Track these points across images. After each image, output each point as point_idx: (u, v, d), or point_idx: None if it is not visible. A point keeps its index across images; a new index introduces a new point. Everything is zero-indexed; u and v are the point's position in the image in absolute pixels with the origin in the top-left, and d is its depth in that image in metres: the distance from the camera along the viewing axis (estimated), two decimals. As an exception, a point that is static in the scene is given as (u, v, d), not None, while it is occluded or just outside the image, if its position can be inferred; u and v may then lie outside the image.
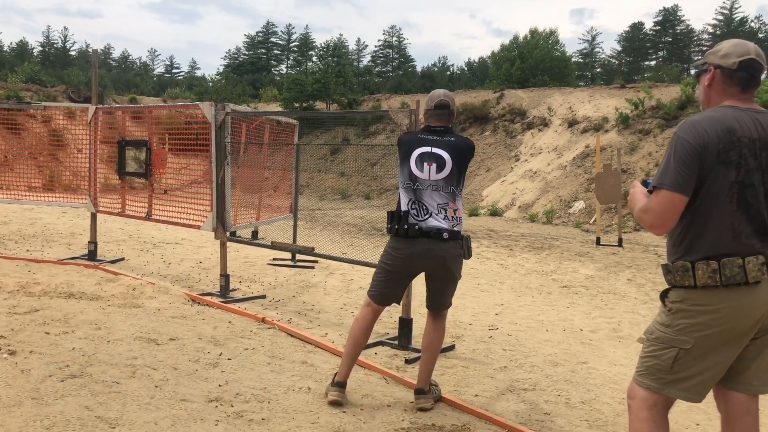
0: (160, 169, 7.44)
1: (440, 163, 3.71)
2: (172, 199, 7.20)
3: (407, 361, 4.80)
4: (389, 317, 6.11)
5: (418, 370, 3.97)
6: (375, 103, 32.25)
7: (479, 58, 64.04)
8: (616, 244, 13.40)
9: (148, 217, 7.33)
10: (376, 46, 73.08)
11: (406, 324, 5.13)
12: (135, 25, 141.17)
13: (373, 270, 5.15)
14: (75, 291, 6.27)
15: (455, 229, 3.71)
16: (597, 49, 65.81)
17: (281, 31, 74.77)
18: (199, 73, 73.86)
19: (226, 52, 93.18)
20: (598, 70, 63.02)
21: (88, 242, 8.05)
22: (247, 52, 70.94)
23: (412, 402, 3.92)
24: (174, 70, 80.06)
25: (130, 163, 7.92)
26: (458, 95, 30.05)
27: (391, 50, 71.20)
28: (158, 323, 5.32)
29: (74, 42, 71.06)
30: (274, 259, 8.75)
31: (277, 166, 10.00)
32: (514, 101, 27.36)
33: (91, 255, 7.96)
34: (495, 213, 20.52)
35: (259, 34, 73.08)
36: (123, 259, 8.27)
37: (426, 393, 3.87)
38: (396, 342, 5.16)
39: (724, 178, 2.37)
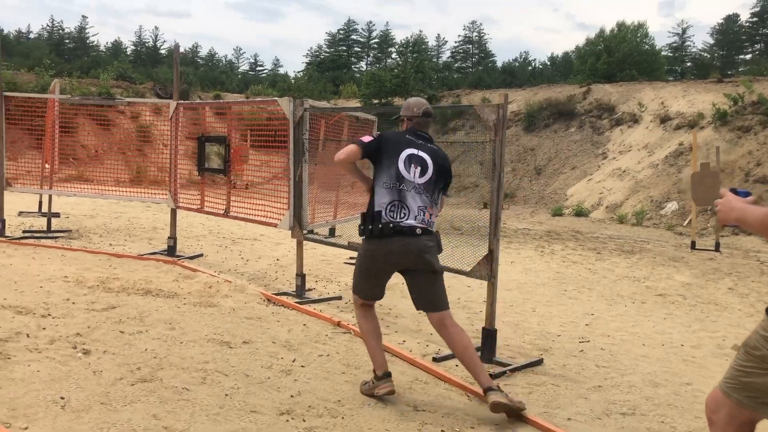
0: (238, 165, 7.35)
1: (424, 167, 3.81)
2: (250, 195, 7.10)
3: (492, 377, 4.45)
4: (470, 325, 5.76)
5: (474, 376, 3.78)
6: (455, 99, 31.77)
7: (563, 53, 62.22)
8: (713, 248, 12.51)
9: (225, 214, 7.25)
10: (456, 42, 72.19)
11: (489, 335, 4.78)
12: (221, 24, 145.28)
13: (458, 276, 4.84)
14: (152, 288, 6.24)
15: (429, 228, 3.79)
16: (687, 43, 62.65)
17: (362, 29, 75.10)
18: (282, 71, 75.07)
19: (308, 50, 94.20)
20: (689, 64, 60.02)
21: (168, 238, 8.08)
22: (328, 50, 71.59)
23: (498, 425, 3.57)
24: (258, 68, 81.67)
25: (215, 159, 7.86)
26: (541, 90, 29.21)
27: (471, 46, 70.28)
28: (232, 324, 5.18)
29: (164, 41, 73.54)
30: (350, 258, 8.55)
31: (355, 162, 9.80)
32: (601, 96, 26.28)
33: (171, 251, 7.98)
34: (580, 213, 19.71)
35: (340, 32, 73.64)
36: (201, 255, 8.26)
37: (495, 390, 3.60)
38: (479, 354, 4.81)
39: None
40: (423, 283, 3.82)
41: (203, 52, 79.64)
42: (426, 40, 53.95)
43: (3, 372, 3.86)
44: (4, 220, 8.73)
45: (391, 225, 3.70)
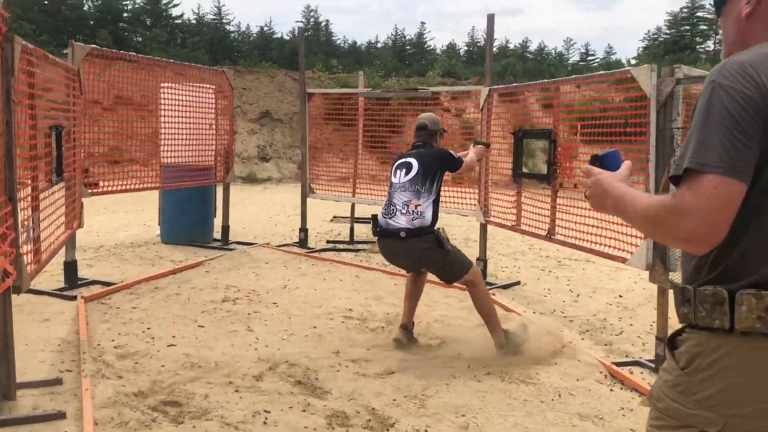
0: (567, 169, 5.36)
1: (408, 168, 4.40)
2: (584, 213, 5.02)
3: None
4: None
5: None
6: None
7: None
8: None
9: (549, 236, 5.31)
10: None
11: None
12: (552, 17, 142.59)
13: None
14: (449, 335, 4.65)
15: (414, 223, 4.22)
16: None
17: (708, 5, 66.18)
18: (614, 59, 69.95)
19: (645, 34, 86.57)
20: None
21: (477, 259, 6.43)
22: (668, 31, 64.68)
23: None
24: (588, 58, 77.40)
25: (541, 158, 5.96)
26: None
27: None
28: (557, 429, 3.24)
29: (495, 39, 73.73)
30: None
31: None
32: None
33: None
34: None
35: (684, 10, 66.00)
36: (518, 283, 6.45)
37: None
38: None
39: None
40: (435, 273, 4.51)
41: (533, 46, 78.27)
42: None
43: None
44: (307, 229, 8.02)
45: (385, 227, 4.29)
